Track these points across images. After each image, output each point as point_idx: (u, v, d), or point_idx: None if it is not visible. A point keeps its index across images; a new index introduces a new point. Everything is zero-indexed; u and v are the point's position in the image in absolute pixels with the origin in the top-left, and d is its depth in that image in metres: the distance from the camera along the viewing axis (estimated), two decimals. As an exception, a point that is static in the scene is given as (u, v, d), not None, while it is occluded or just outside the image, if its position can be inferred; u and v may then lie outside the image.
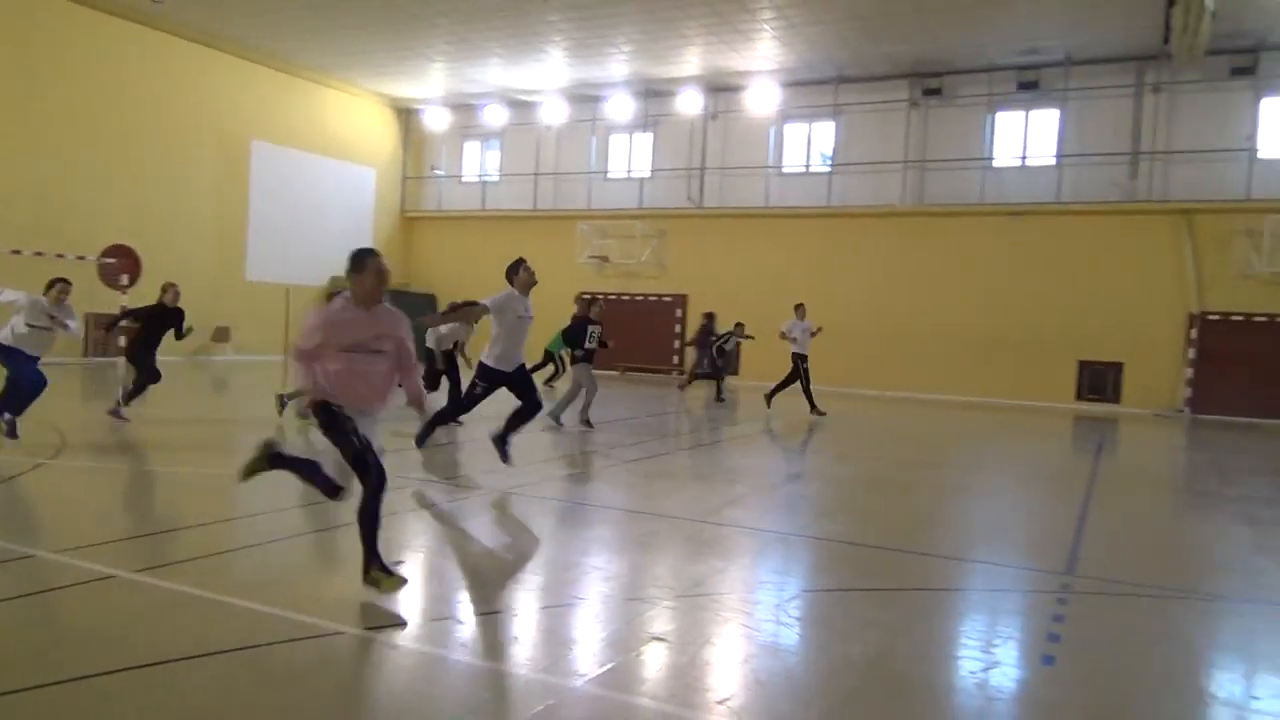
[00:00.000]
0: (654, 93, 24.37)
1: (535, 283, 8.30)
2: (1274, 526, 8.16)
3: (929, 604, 5.30)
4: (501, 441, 8.30)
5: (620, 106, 24.76)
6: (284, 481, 5.45)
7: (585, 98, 25.35)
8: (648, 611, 4.85)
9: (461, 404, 8.81)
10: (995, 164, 21.48)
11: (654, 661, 4.15)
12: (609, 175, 26.11)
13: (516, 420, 8.35)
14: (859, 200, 22.41)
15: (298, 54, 23.53)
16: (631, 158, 25.87)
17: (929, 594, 5.47)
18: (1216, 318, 19.17)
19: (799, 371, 15.75)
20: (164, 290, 11.10)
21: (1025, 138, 21.37)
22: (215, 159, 23.18)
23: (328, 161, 26.21)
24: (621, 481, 8.96)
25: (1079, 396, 20.18)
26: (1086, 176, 20.43)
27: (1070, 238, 20.33)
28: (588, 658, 4.16)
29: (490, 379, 8.27)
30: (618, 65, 22.80)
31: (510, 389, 8.35)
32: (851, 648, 4.44)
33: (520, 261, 8.33)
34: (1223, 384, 18.97)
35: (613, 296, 23.77)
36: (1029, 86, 20.72)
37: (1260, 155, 19.14)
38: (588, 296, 12.88)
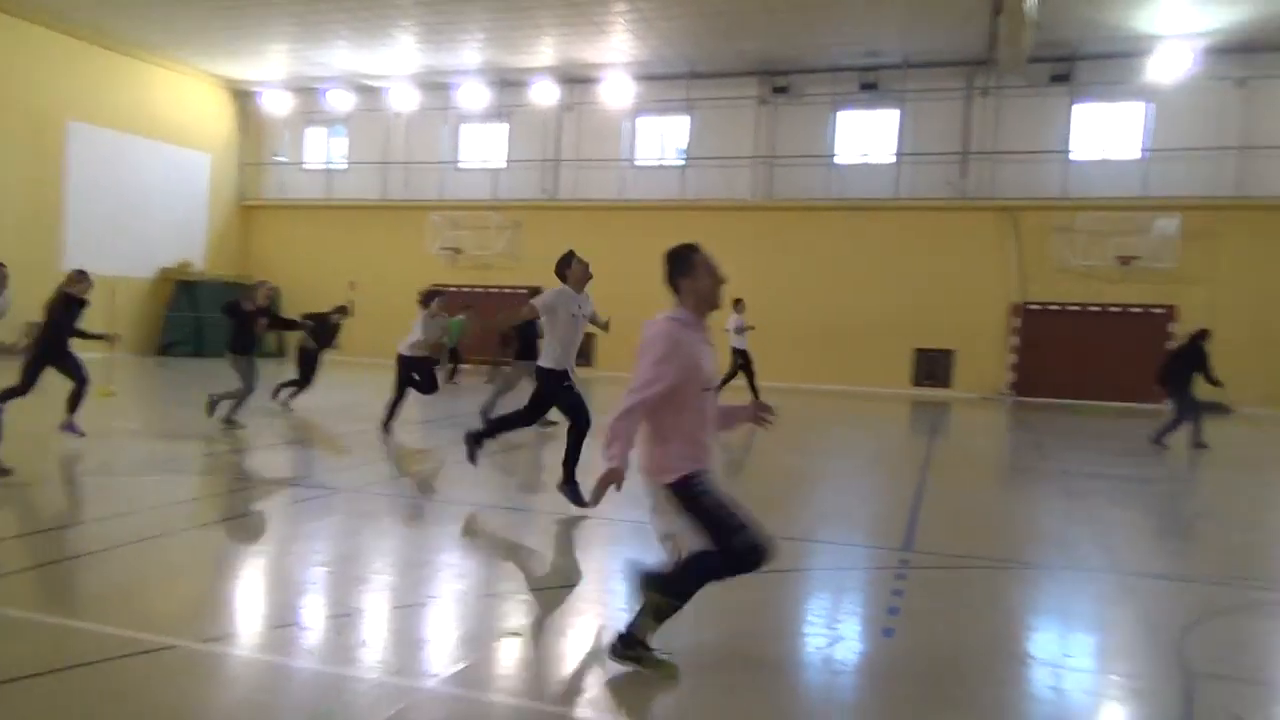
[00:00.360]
0: (508, 82, 24.09)
1: (590, 277, 7.35)
2: (1087, 498, 8.85)
3: (778, 586, 5.47)
4: (475, 441, 7.36)
5: (474, 95, 24.34)
6: (99, 490, 5.07)
7: (437, 85, 24.79)
8: (501, 606, 4.79)
9: (530, 413, 7.45)
10: (839, 161, 22.39)
11: (508, 657, 4.11)
12: (461, 165, 25.64)
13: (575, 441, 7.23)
14: (711, 194, 22.88)
15: (122, 29, 21.94)
16: (485, 148, 25.49)
17: (778, 576, 5.63)
18: (1037, 308, 20.66)
19: (737, 368, 16.28)
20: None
21: (867, 137, 22.36)
22: (26, 140, 21.33)
23: (156, 145, 24.55)
24: (476, 477, 8.83)
25: (915, 383, 21.32)
26: (922, 174, 21.59)
27: (907, 233, 21.42)
28: (440, 657, 4.07)
29: (554, 382, 7.21)
30: (470, 53, 22.40)
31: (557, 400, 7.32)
32: (704, 633, 4.52)
33: (571, 254, 7.31)
34: (1043, 369, 20.49)
35: (465, 289, 23.39)
36: (870, 87, 21.68)
37: (1073, 157, 20.72)
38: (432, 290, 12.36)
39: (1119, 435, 15.02)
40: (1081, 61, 20.28)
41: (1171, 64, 19.37)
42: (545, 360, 7.25)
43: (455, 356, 18.86)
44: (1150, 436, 12.47)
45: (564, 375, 7.17)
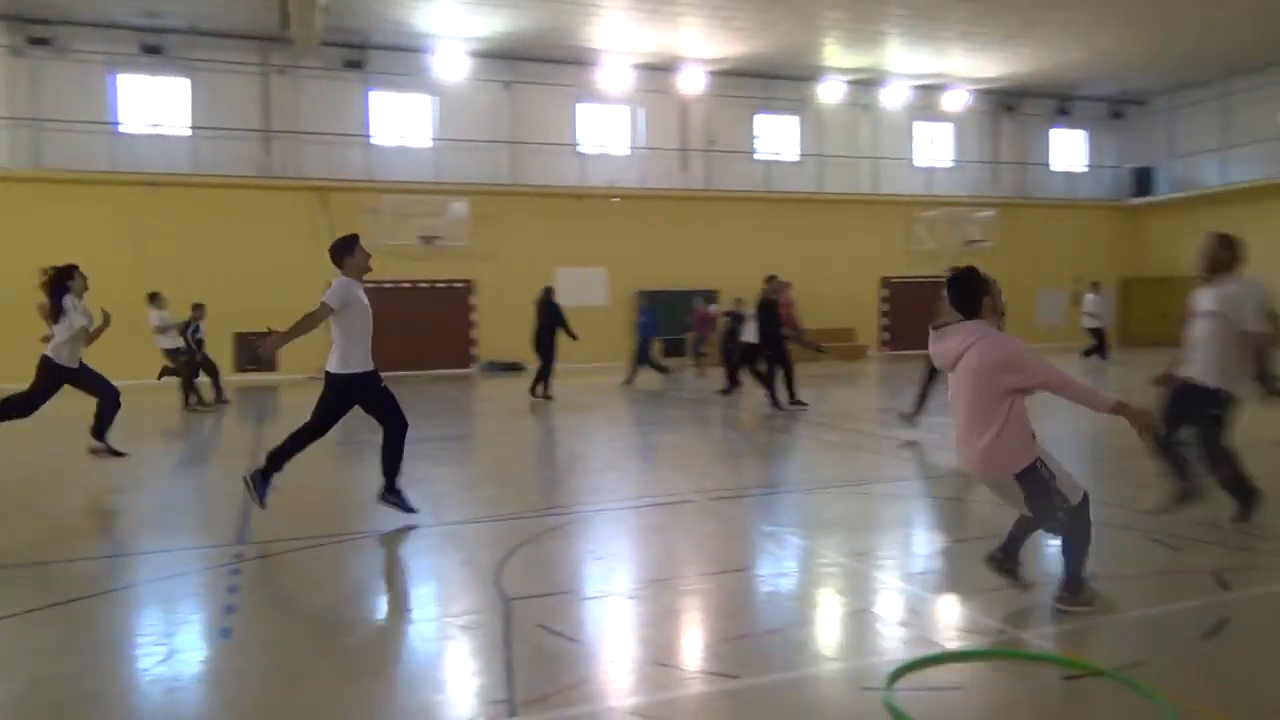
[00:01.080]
0: None
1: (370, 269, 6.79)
2: (414, 461, 9.46)
3: (93, 612, 4.74)
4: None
5: None
6: None
7: None
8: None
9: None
10: (124, 130, 20.05)
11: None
12: None
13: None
14: (-45, 160, 18.62)
15: None
16: None
17: (92, 601, 4.89)
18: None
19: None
20: None
21: (156, 105, 20.38)
22: None
23: None
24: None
25: (238, 369, 20.37)
26: (223, 149, 20.50)
27: (213, 210, 20.19)
28: None
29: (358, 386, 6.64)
30: None
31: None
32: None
33: (355, 239, 6.70)
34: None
35: None
36: (154, 50, 19.76)
37: (374, 142, 21.75)
38: None
39: (440, 400, 16.37)
40: (373, 51, 21.30)
41: (450, 63, 21.51)
42: (351, 364, 6.44)
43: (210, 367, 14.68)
44: (539, 393, 15.09)
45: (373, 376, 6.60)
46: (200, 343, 15.12)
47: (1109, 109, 28.76)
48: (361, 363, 6.58)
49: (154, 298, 14.64)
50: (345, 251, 6.59)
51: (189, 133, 20.37)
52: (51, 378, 8.60)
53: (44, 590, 5.11)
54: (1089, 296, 20.48)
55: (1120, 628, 4.22)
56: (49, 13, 18.74)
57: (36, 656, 4.05)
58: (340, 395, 6.46)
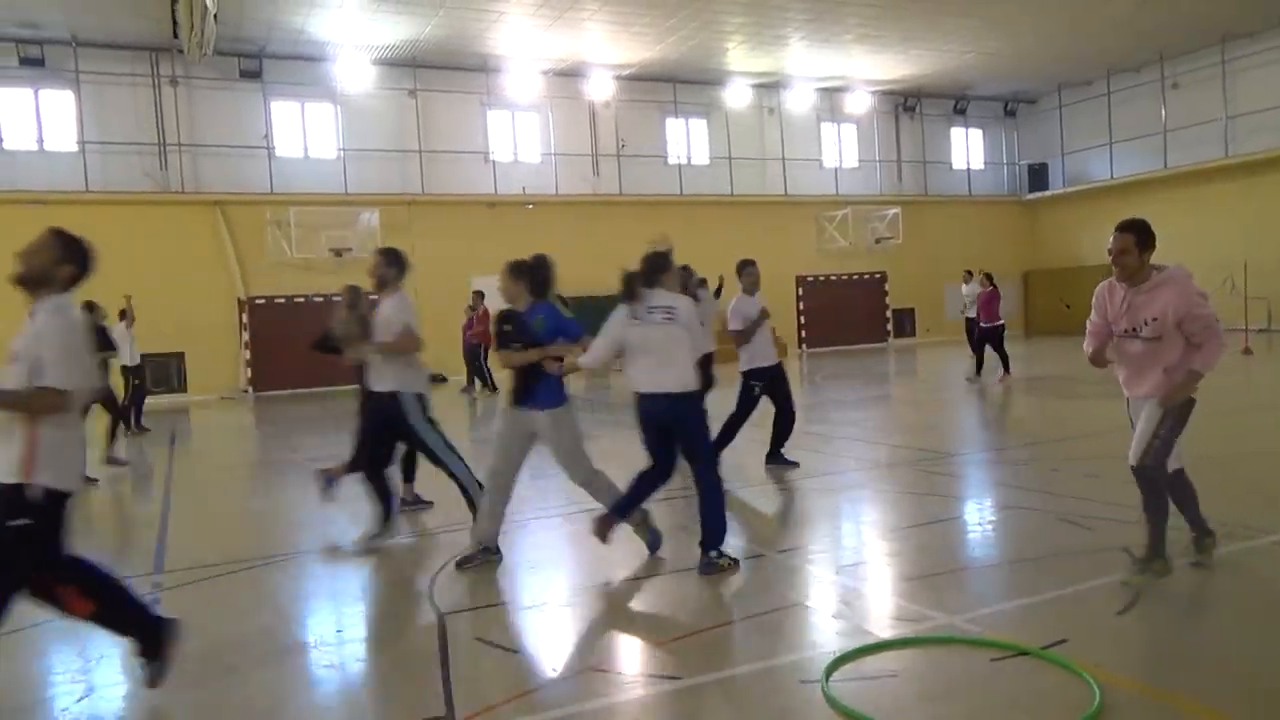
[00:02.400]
0: None
1: None
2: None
3: (8, 649, 4.49)
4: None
5: None
6: None
7: None
8: None
9: None
10: (6, 146, 19.07)
11: None
12: None
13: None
14: None
15: None
16: None
17: (8, 639, 4.63)
18: (263, 301, 20.71)
19: None
20: None
21: (39, 119, 19.44)
22: None
23: None
24: None
25: (148, 392, 19.50)
26: (115, 165, 19.69)
27: (105, 228, 19.26)
28: None
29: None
30: None
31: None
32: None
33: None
34: (276, 362, 20.60)
35: None
36: (34, 63, 18.84)
37: (278, 153, 21.16)
38: None
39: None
40: (271, 60, 20.73)
41: (352, 71, 21.07)
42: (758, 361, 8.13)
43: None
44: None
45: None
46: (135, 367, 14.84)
47: (1003, 108, 29.93)
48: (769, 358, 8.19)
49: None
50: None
51: (75, 148, 19.48)
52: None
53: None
54: (964, 288, 20.24)
55: (1040, 608, 4.39)
56: (-83, 24, 17.72)
57: (-60, 706, 3.82)
58: (746, 388, 8.09)
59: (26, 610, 5.26)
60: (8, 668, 4.36)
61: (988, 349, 14.98)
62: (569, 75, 23.24)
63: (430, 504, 7.32)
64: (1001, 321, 15.16)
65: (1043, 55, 24.47)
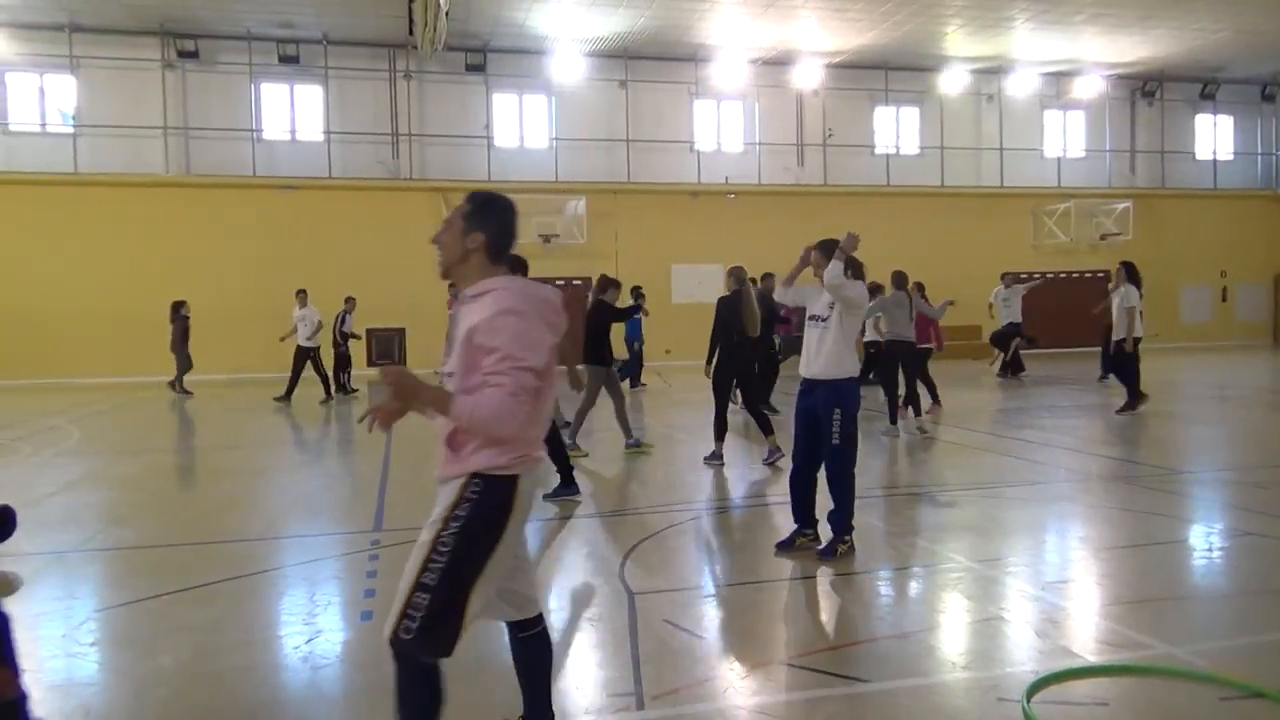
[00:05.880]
0: None
1: None
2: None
3: (244, 591, 5.04)
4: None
5: None
6: None
7: None
8: None
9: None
10: (266, 136, 21.16)
11: None
12: None
13: None
14: (113, 168, 20.02)
15: None
16: None
17: (243, 581, 5.20)
18: (473, 283, 21.92)
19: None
20: None
21: (293, 111, 21.43)
22: None
23: None
24: None
25: (369, 363, 21.22)
26: (354, 153, 21.40)
27: (342, 212, 21.09)
28: None
29: None
30: None
31: None
32: (160, 659, 3.99)
33: None
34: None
35: None
36: (291, 60, 20.78)
37: (496, 143, 22.28)
38: None
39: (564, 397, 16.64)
40: (494, 54, 21.82)
41: (567, 63, 21.83)
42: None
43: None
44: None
45: None
46: (346, 336, 16.39)
47: (1259, 92, 26.89)
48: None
49: (300, 295, 15.76)
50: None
51: (321, 138, 21.32)
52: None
53: (192, 573, 5.45)
54: (1002, 290, 18.00)
55: (1278, 648, 3.96)
56: (194, 27, 19.93)
57: (189, 632, 4.33)
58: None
59: (265, 554, 5.87)
60: (230, 619, 4.87)
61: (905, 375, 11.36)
62: (777, 64, 22.99)
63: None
64: (931, 345, 12.37)
65: (1313, 32, 21.76)
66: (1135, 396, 11.69)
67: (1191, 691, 3.53)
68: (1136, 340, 11.84)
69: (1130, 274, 11.98)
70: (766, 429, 8.76)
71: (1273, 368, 19.05)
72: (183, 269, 19.92)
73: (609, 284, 9.58)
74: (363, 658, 4.04)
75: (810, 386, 5.50)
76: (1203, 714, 3.37)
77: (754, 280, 10.40)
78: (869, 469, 8.62)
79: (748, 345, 8.83)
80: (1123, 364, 12.01)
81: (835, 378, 5.38)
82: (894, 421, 10.46)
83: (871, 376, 12.60)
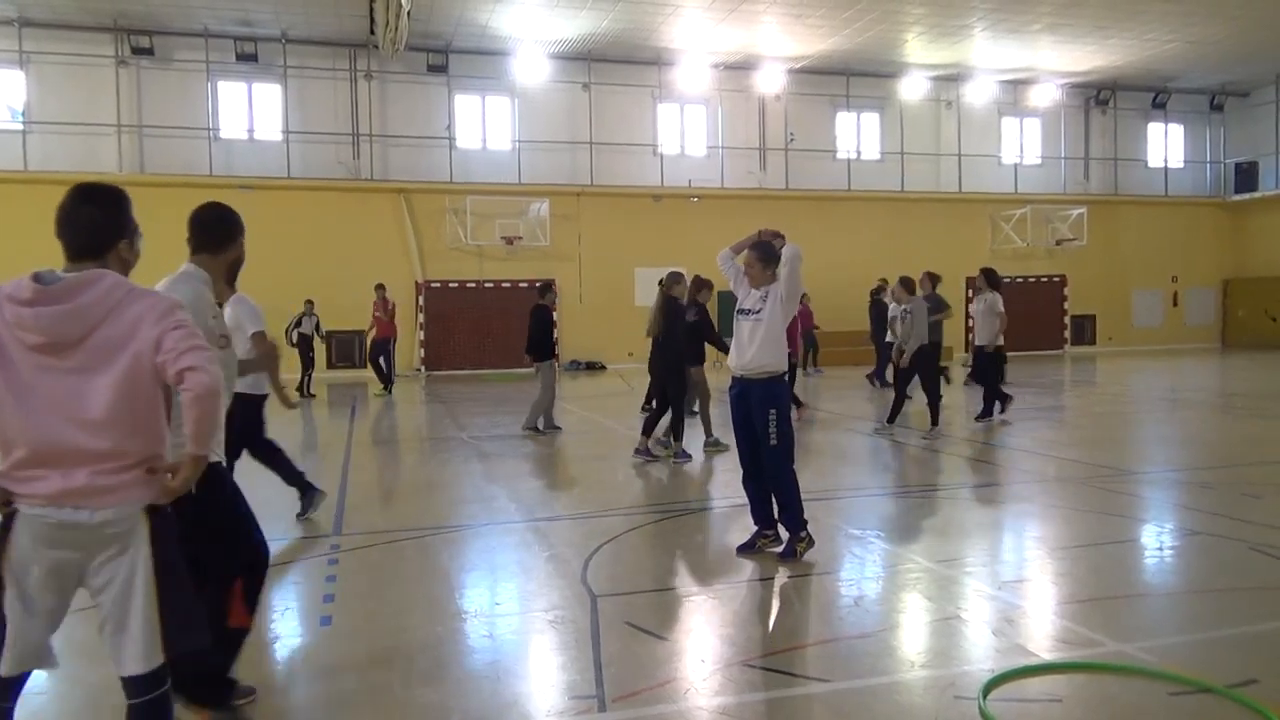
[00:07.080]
0: None
1: None
2: (500, 459, 9.64)
3: (200, 598, 4.96)
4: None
5: None
6: None
7: None
8: None
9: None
10: (223, 135, 20.84)
11: None
12: None
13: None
14: (64, 166, 19.59)
15: None
16: None
17: (199, 587, 5.11)
18: (438, 285, 21.79)
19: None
20: None
21: (251, 110, 21.13)
22: None
23: None
24: None
25: (329, 366, 20.98)
26: (313, 153, 21.15)
27: (302, 213, 20.82)
28: None
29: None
30: None
31: None
32: (113, 666, 3.90)
33: None
34: (448, 343, 21.76)
35: None
36: (249, 59, 20.48)
37: (459, 144, 22.15)
38: None
39: (518, 399, 16.58)
40: (456, 55, 21.69)
41: (530, 65, 21.77)
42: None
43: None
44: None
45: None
46: (306, 338, 16.48)
47: (1209, 101, 27.57)
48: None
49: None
50: None
51: (280, 137, 21.05)
52: None
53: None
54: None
55: (1226, 644, 4.06)
56: (149, 24, 19.58)
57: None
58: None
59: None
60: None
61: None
62: (739, 68, 23.14)
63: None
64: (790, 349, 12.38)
65: (1259, 42, 22.35)
66: (1003, 400, 11.84)
67: (1142, 688, 3.61)
68: (998, 346, 11.92)
69: (991, 280, 12.01)
70: (679, 433, 9.05)
71: (1220, 371, 19.55)
72: (137, 270, 19.43)
73: (675, 280, 10.16)
74: (321, 663, 4.00)
75: (744, 387, 5.53)
76: (1153, 709, 3.45)
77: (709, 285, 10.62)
78: (830, 471, 8.71)
79: (664, 346, 9.37)
80: (986, 369, 12.06)
81: (768, 370, 5.45)
82: (935, 424, 10.59)
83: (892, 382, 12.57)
